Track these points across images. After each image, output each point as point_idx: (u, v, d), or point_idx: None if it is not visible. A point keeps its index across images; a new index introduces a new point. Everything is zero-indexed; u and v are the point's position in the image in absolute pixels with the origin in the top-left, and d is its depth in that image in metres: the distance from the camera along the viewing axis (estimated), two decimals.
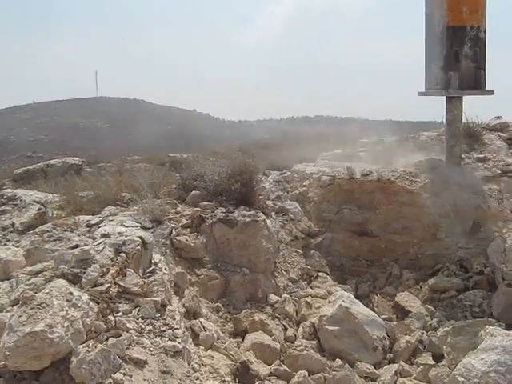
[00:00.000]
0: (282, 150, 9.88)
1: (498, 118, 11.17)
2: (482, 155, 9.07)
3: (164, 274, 4.96)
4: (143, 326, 4.12)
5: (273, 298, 6.20)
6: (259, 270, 6.29)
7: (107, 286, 4.21)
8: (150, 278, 4.64)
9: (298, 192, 8.14)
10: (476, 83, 8.33)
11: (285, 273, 6.72)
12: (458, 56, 8.19)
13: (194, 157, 11.99)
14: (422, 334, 5.96)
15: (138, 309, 4.26)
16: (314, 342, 5.61)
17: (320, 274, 6.97)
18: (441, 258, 7.41)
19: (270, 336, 5.44)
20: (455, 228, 7.58)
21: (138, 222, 5.89)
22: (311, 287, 6.70)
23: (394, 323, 6.11)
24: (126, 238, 4.86)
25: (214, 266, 6.14)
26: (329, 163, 8.95)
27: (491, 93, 8.66)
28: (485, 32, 8.32)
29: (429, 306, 6.59)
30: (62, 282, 3.93)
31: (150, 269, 4.93)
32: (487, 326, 4.63)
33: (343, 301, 5.77)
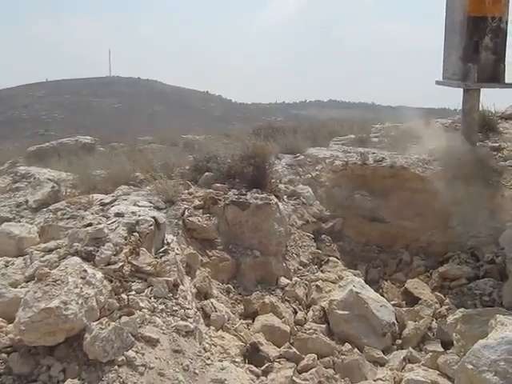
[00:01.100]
0: (296, 132, 9.83)
1: None
2: (497, 144, 9.00)
3: (176, 254, 4.99)
4: (156, 305, 4.15)
5: (283, 281, 6.22)
6: (270, 252, 6.30)
7: (120, 264, 4.25)
8: (163, 258, 4.67)
9: (310, 176, 8.13)
10: (495, 76, 8.24)
11: (296, 256, 6.72)
12: (477, 47, 8.10)
13: (207, 138, 11.98)
14: (432, 321, 5.98)
15: (150, 288, 4.29)
16: (324, 326, 5.63)
17: (331, 258, 6.98)
18: (452, 246, 7.39)
19: (280, 319, 5.47)
20: (467, 216, 7.55)
21: (151, 202, 5.91)
22: (322, 271, 6.71)
23: (404, 309, 6.13)
24: (140, 218, 4.88)
25: (226, 248, 6.16)
26: (342, 148, 8.93)
27: (510, 86, 8.57)
28: (507, 23, 8.19)
29: (438, 294, 6.60)
30: (77, 259, 3.96)
31: (163, 249, 4.95)
32: (498, 315, 4.62)
33: (354, 286, 5.78)
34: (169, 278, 4.42)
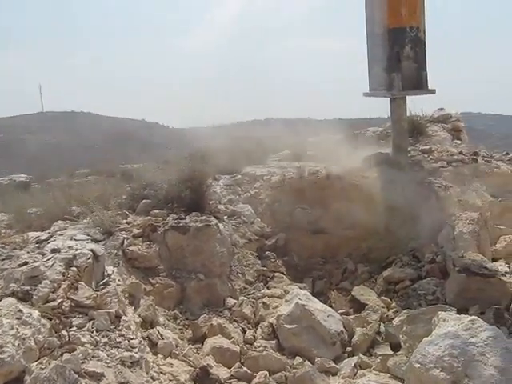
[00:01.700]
0: (232, 153, 9.87)
1: (441, 109, 11.47)
2: (427, 147, 9.29)
3: (118, 285, 4.93)
4: (98, 339, 4.08)
5: (230, 301, 6.21)
6: (214, 274, 6.29)
7: (59, 301, 4.17)
8: (103, 290, 4.60)
9: (249, 194, 8.15)
10: (418, 83, 8.52)
11: (241, 275, 6.72)
12: (399, 57, 8.35)
13: (144, 166, 11.89)
14: (379, 325, 6.05)
15: (92, 322, 4.21)
16: (274, 342, 5.63)
17: (276, 274, 7.00)
18: (393, 249, 7.52)
19: (229, 339, 5.44)
20: (405, 219, 7.71)
21: (88, 235, 5.82)
22: (268, 288, 6.72)
23: (351, 317, 6.19)
24: (77, 252, 4.81)
25: (169, 274, 6.12)
26: (278, 164, 9.01)
27: (433, 92, 8.87)
28: (424, 32, 8.50)
29: (385, 298, 6.68)
30: (11, 300, 3.87)
31: (103, 281, 4.89)
32: (440, 312, 4.74)
33: (299, 298, 5.81)
34: (110, 310, 4.36)
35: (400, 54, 8.34)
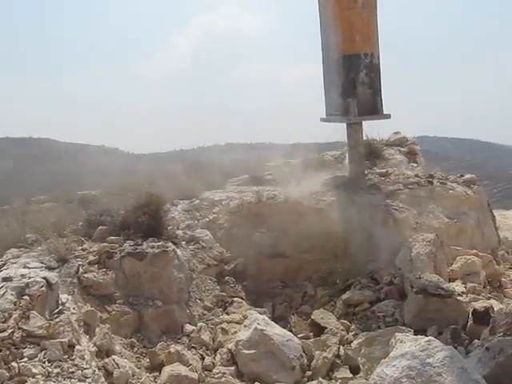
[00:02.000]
0: (191, 178, 9.82)
1: (397, 133, 11.66)
2: (384, 170, 9.40)
3: (72, 313, 4.83)
4: (50, 370, 3.97)
5: (188, 327, 6.13)
6: (172, 301, 6.21)
7: (10, 331, 4.06)
8: (56, 319, 4.48)
9: (208, 219, 8.11)
10: (373, 108, 8.68)
11: (199, 301, 6.65)
12: (354, 83, 8.50)
13: (102, 192, 11.72)
14: (339, 348, 6.04)
15: (44, 352, 4.10)
16: (233, 368, 5.58)
17: (235, 299, 6.94)
18: (352, 272, 7.56)
19: (187, 366, 5.37)
20: (364, 242, 7.77)
21: (42, 263, 5.70)
22: (227, 313, 6.66)
23: (311, 340, 6.16)
24: (30, 280, 4.69)
25: (126, 301, 6.02)
26: (237, 188, 9.00)
27: (388, 116, 9.07)
28: (378, 58, 8.68)
29: (344, 321, 6.69)
30: None
31: (57, 309, 4.77)
32: (397, 334, 4.75)
33: (258, 323, 5.77)
34: (63, 339, 4.25)
35: (355, 80, 8.47)
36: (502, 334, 5.19)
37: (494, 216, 10.15)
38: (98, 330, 5.26)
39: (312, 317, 6.85)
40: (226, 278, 7.39)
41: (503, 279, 8.35)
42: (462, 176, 9.52)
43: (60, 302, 4.92)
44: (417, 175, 9.18)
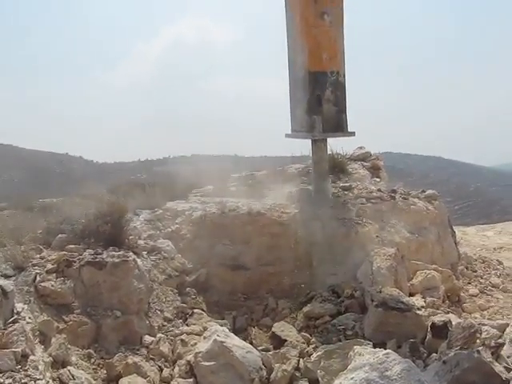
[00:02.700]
0: (154, 188, 9.76)
1: (361, 148, 11.78)
2: (347, 184, 9.47)
3: (27, 322, 4.71)
4: (2, 380, 3.87)
5: (147, 339, 6.04)
6: (132, 311, 6.12)
7: None
8: (10, 329, 4.38)
9: (170, 230, 8.04)
10: (338, 126, 8.73)
11: (159, 312, 6.57)
12: (320, 100, 8.55)
13: (64, 200, 11.56)
14: (298, 361, 6.02)
15: None
16: (191, 380, 5.50)
17: (195, 310, 6.88)
18: (314, 285, 7.58)
19: (145, 378, 5.29)
20: (326, 255, 7.81)
21: None
22: (187, 325, 6.60)
23: (270, 353, 6.13)
24: None
25: (84, 311, 5.90)
26: (200, 199, 8.96)
27: (353, 134, 9.16)
28: (344, 76, 8.75)
29: (305, 334, 6.69)
30: None
31: (12, 319, 4.65)
32: (355, 347, 4.77)
33: (218, 335, 5.72)
34: (16, 349, 4.15)
35: (321, 97, 8.53)
36: (458, 347, 5.25)
37: (454, 232, 10.33)
38: (53, 340, 5.14)
39: (273, 329, 6.82)
40: (188, 289, 7.33)
41: (462, 294, 8.49)
42: (424, 192, 9.67)
43: (15, 311, 4.81)
44: (379, 190, 9.28)
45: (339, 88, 8.68)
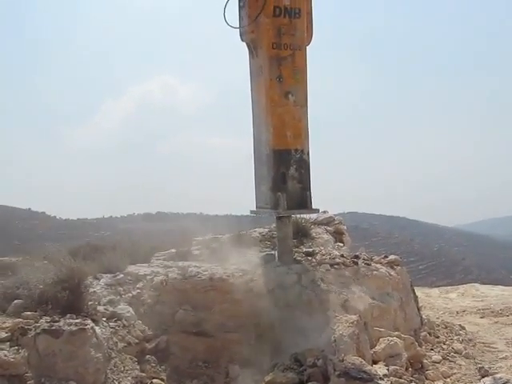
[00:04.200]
0: (116, 250, 9.62)
1: (325, 212, 11.89)
2: (311, 249, 9.49)
3: None
4: None
5: None
6: (88, 382, 5.92)
7: None
8: None
9: (131, 295, 7.89)
10: (302, 202, 8.85)
11: (117, 383, 6.36)
12: (284, 177, 8.71)
13: (23, 260, 11.33)
14: None
15: None
16: None
17: (154, 380, 6.71)
18: (277, 353, 7.47)
19: None
20: (289, 323, 7.74)
21: None
22: None
23: None
24: None
25: (38, 382, 5.69)
26: (163, 263, 8.84)
27: (316, 211, 9.43)
28: (308, 154, 8.92)
29: None
30: None
31: None
32: None
33: None
34: None
35: (285, 175, 8.67)
36: None
37: (417, 296, 10.38)
38: None
39: None
40: (147, 356, 7.15)
41: (425, 361, 8.44)
42: (386, 257, 9.74)
43: None
44: (342, 255, 9.31)
45: (303, 166, 8.85)
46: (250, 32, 8.81)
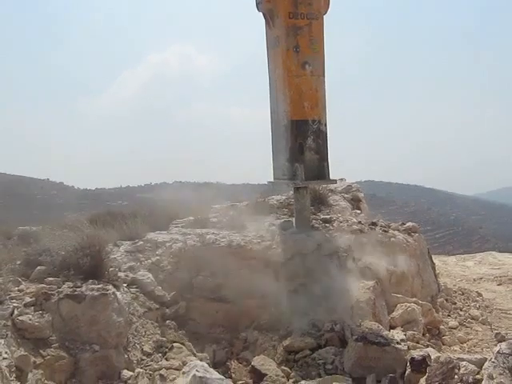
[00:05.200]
0: (135, 218, 9.72)
1: (342, 180, 11.88)
2: (328, 216, 9.52)
3: (3, 358, 4.66)
4: None
5: (126, 373, 5.96)
6: (110, 345, 6.05)
7: None
8: None
9: (151, 261, 8.00)
10: (320, 173, 8.88)
11: (138, 346, 6.50)
12: (302, 148, 8.70)
13: (44, 229, 11.49)
14: None
15: None
16: None
17: (175, 344, 6.81)
18: (295, 318, 7.56)
19: None
20: (307, 289, 7.82)
21: None
22: (166, 359, 6.52)
23: None
24: None
25: (62, 345, 5.81)
26: (181, 231, 8.93)
27: (334, 181, 9.49)
28: (326, 125, 8.91)
29: (284, 368, 6.67)
30: None
31: None
32: (334, 383, 4.77)
33: (197, 370, 5.66)
34: None
35: (303, 146, 8.66)
36: (437, 383, 5.28)
37: (434, 263, 10.42)
38: (30, 375, 5.08)
39: (252, 363, 6.79)
40: (168, 321, 7.27)
41: (442, 327, 8.52)
42: (404, 224, 9.76)
43: None
44: (360, 222, 9.34)
45: (321, 136, 8.83)
46: (267, 1, 8.75)
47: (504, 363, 4.65)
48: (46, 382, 5.23)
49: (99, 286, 6.30)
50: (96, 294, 6.13)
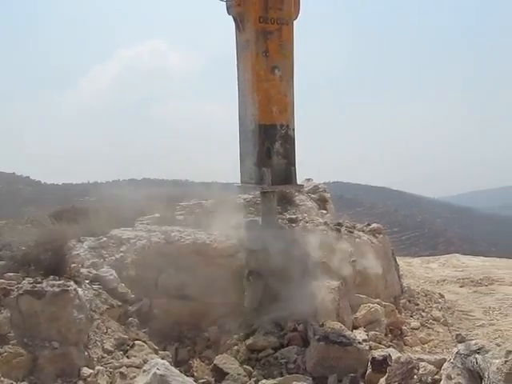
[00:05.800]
0: (100, 214, 9.61)
1: (309, 180, 11.93)
2: (294, 216, 9.55)
3: None
4: None
5: (86, 371, 5.87)
6: (70, 342, 5.95)
7: None
8: None
9: (114, 258, 7.92)
10: (287, 178, 8.89)
11: (99, 344, 6.41)
12: (269, 152, 8.71)
13: (7, 224, 11.29)
14: None
15: None
16: None
17: (137, 342, 6.74)
18: (258, 317, 7.56)
19: None
20: (271, 287, 7.81)
21: None
22: (127, 357, 6.45)
23: None
24: None
25: (20, 342, 5.70)
26: (146, 227, 8.87)
27: (301, 186, 9.59)
28: (294, 130, 8.92)
29: (247, 366, 6.67)
30: None
31: None
32: (294, 382, 4.78)
33: (157, 369, 5.60)
34: None
35: (270, 150, 8.66)
36: (397, 383, 5.33)
37: (398, 265, 10.52)
38: None
39: (214, 362, 6.78)
40: (130, 319, 7.21)
41: (404, 327, 8.60)
42: (369, 225, 9.84)
43: None
44: (325, 223, 9.38)
45: (288, 141, 8.85)
46: (237, 5, 8.72)
47: (462, 364, 4.70)
48: (2, 379, 5.12)
49: (60, 282, 6.19)
50: (57, 290, 6.03)
